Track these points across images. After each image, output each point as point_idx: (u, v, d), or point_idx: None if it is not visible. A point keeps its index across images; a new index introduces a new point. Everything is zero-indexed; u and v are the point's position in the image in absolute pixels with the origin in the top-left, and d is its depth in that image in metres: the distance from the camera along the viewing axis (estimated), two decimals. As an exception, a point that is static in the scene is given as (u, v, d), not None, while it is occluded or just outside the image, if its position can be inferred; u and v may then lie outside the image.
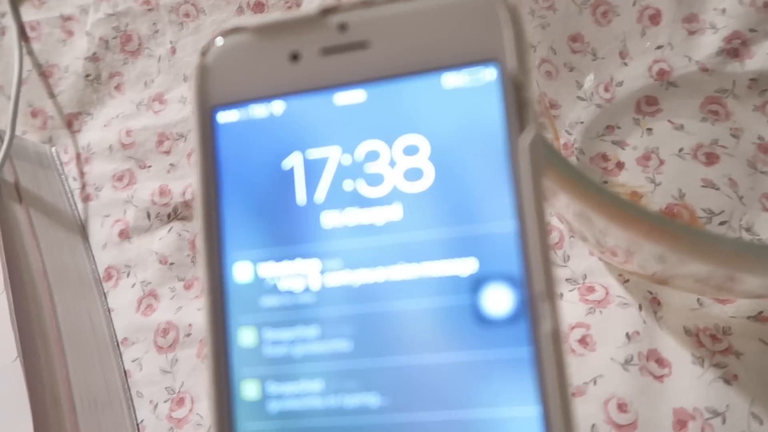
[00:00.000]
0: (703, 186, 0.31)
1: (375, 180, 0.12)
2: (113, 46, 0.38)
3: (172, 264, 0.34)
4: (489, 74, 0.12)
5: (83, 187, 0.37)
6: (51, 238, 0.33)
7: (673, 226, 0.20)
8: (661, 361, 0.25)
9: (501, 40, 0.12)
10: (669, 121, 0.33)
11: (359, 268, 0.12)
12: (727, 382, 0.24)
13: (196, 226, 0.13)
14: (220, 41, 0.13)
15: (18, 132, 0.36)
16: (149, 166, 0.36)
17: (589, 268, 0.29)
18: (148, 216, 0.35)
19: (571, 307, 0.27)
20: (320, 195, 0.13)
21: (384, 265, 0.12)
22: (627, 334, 0.26)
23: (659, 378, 0.25)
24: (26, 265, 0.30)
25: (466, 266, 0.12)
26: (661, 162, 0.32)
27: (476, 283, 0.12)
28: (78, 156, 0.37)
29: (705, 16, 0.34)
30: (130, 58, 0.38)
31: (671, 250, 0.20)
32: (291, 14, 0.13)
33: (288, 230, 0.13)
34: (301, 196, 0.13)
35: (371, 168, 0.12)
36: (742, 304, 0.26)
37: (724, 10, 0.34)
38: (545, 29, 0.34)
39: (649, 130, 0.33)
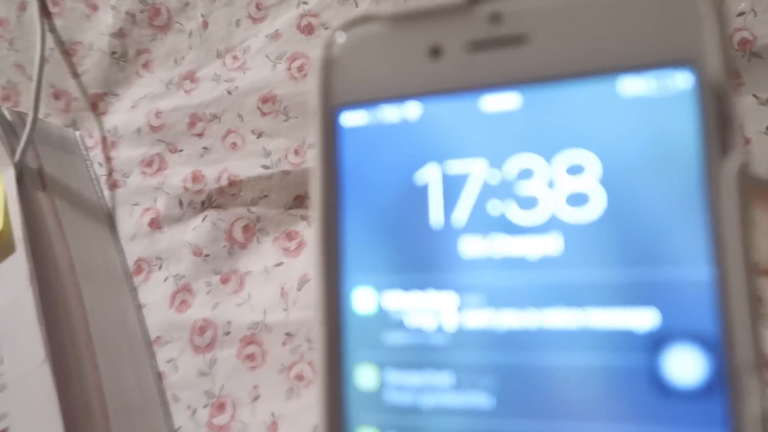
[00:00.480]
0: (796, 165, 0.28)
1: (529, 203, 0.10)
2: (140, 20, 0.35)
3: (207, 256, 0.31)
4: (682, 80, 0.09)
5: (110, 173, 0.34)
6: (77, 228, 0.30)
7: None
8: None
9: (700, 37, 0.09)
10: (754, 95, 0.30)
11: (505, 308, 0.10)
12: None
13: (313, 244, 0.10)
14: (347, 32, 0.11)
15: (41, 115, 0.33)
16: (181, 150, 0.33)
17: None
18: (180, 204, 0.32)
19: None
20: (460, 217, 0.10)
21: (537, 307, 0.10)
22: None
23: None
24: (52, 259, 0.27)
25: (644, 319, 0.09)
26: (747, 141, 0.29)
27: (657, 342, 0.09)
28: (104, 140, 0.35)
29: (793, -22, 0.31)
30: (159, 34, 0.35)
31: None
32: (433, 1, 0.11)
33: (420, 255, 0.10)
34: (436, 217, 0.10)
35: (525, 188, 0.10)
36: None
37: (814, -29, 0.31)
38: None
39: (732, 105, 0.30)
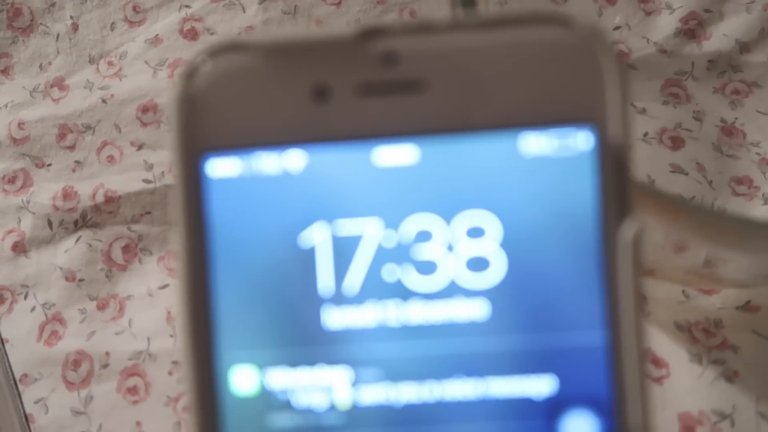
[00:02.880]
0: (671, 171, 0.30)
1: (427, 268, 0.09)
2: (-2, 21, 0.32)
3: (81, 281, 0.28)
4: (583, 140, 0.09)
5: (-36, 192, 0.30)
6: None
7: (688, 207, 0.18)
8: (657, 362, 0.23)
9: (602, 97, 0.09)
10: (632, 104, 0.32)
11: (402, 381, 0.09)
12: (729, 380, 0.22)
13: (178, 317, 0.09)
14: (213, 61, 0.09)
15: None
16: (49, 165, 0.30)
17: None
18: (50, 224, 0.29)
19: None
20: (352, 283, 0.09)
21: (436, 378, 0.09)
22: (617, 334, 0.24)
23: (658, 380, 0.22)
24: None
25: (542, 386, 0.09)
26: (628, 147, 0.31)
27: (554, 408, 0.09)
28: (-45, 155, 0.31)
29: (660, -5, 0.33)
30: (21, 36, 0.32)
31: (683, 231, 0.18)
32: (318, 33, 0.09)
33: (307, 327, 0.09)
34: (325, 283, 0.09)
35: (422, 252, 0.09)
36: (728, 294, 0.25)
37: (678, -10, 0.33)
38: (503, 7, 0.32)
39: (612, 114, 0.32)
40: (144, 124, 0.30)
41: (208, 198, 0.09)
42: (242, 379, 0.09)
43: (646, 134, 0.31)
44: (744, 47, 0.32)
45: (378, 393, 0.09)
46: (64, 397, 0.26)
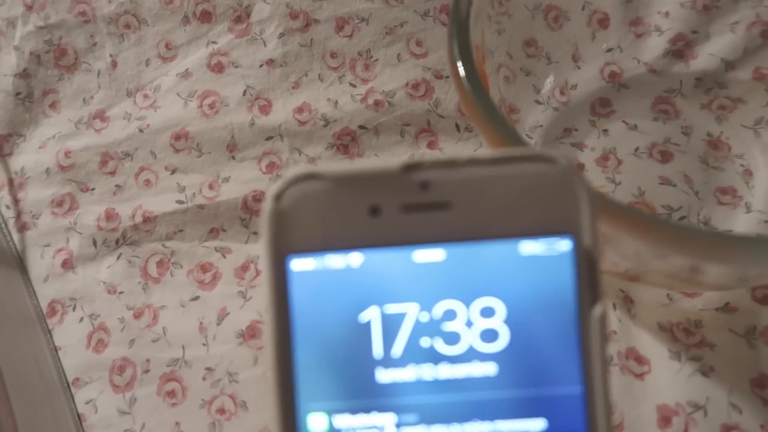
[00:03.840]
0: (660, 183, 0.32)
1: (452, 339, 0.13)
2: (46, 61, 0.35)
3: (121, 293, 0.31)
4: (564, 245, 0.12)
5: (18, 215, 0.34)
6: (-16, 273, 0.30)
7: (650, 220, 0.20)
8: (640, 359, 0.25)
9: (577, 214, 0.12)
10: (623, 121, 0.34)
11: (434, 423, 0.13)
12: (705, 374, 0.24)
13: (268, 376, 0.12)
14: (293, 186, 0.13)
15: (-61, 158, 0.32)
16: (92, 189, 0.34)
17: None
18: (94, 243, 0.32)
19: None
20: (397, 350, 0.13)
21: (459, 421, 0.13)
22: (605, 335, 0.26)
23: (640, 376, 0.25)
24: (-42, 306, 0.27)
25: (536, 426, 0.12)
26: (619, 162, 0.33)
27: None
28: (10, 181, 0.34)
29: (650, 19, 0.36)
30: (66, 74, 0.35)
31: (652, 244, 0.21)
32: (372, 166, 0.13)
33: (364, 383, 0.13)
34: (378, 350, 0.13)
35: (449, 327, 0.13)
36: (710, 296, 0.27)
37: (667, 13, 0.35)
38: (501, 35, 0.34)
39: (605, 131, 0.34)
40: (177, 151, 0.33)
41: (291, 286, 0.13)
42: (316, 422, 0.13)
43: (637, 149, 0.33)
44: (729, 65, 0.34)
45: None
46: (111, 399, 0.29)
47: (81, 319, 0.31)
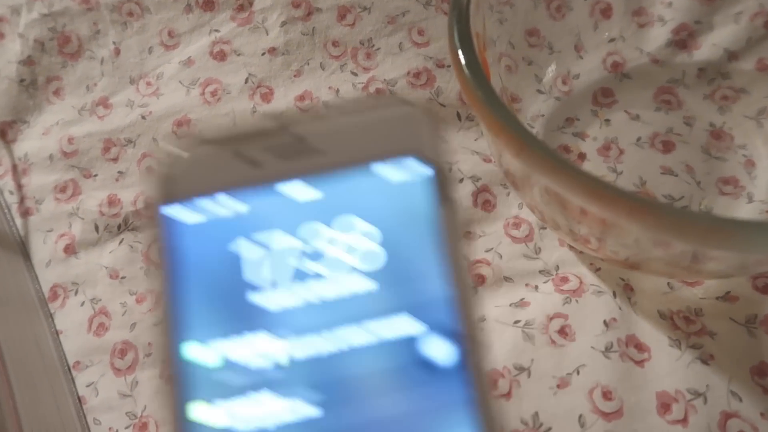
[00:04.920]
0: (662, 173, 0.32)
1: (318, 257, 0.14)
2: (50, 48, 0.35)
3: (123, 278, 0.31)
4: (416, 166, 0.14)
5: (21, 200, 0.34)
6: (-13, 257, 0.30)
7: (652, 204, 0.20)
8: (640, 346, 0.25)
9: (422, 138, 0.14)
10: (625, 111, 0.34)
11: (308, 335, 0.13)
12: (705, 362, 0.24)
13: (153, 316, 0.13)
14: (171, 148, 0.15)
15: (-56, 143, 0.32)
16: (95, 175, 0.34)
17: (561, 258, 0.29)
18: (96, 228, 0.32)
19: (547, 298, 0.27)
20: (268, 274, 0.14)
21: (337, 331, 0.13)
22: (605, 322, 0.26)
23: (640, 363, 0.25)
24: (-39, 288, 0.27)
25: (413, 326, 0.13)
26: (621, 151, 0.33)
27: (422, 339, 0.13)
28: (14, 167, 0.34)
29: (653, 9, 0.36)
30: (70, 61, 0.36)
31: (651, 229, 0.21)
32: (245, 127, 0.14)
33: (242, 310, 0.14)
34: (251, 276, 0.14)
35: (314, 246, 0.14)
36: (710, 285, 0.27)
37: (670, 3, 0.35)
38: (503, 24, 0.34)
39: (607, 121, 0.34)
40: (179, 138, 0.34)
41: (169, 233, 0.14)
42: (199, 351, 0.13)
43: (639, 139, 0.33)
44: (732, 55, 0.34)
45: (303, 348, 0.13)
46: (112, 382, 0.29)
47: (82, 304, 0.31)
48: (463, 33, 0.25)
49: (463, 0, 0.26)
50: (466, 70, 0.24)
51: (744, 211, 0.30)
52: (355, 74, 0.35)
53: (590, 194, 0.21)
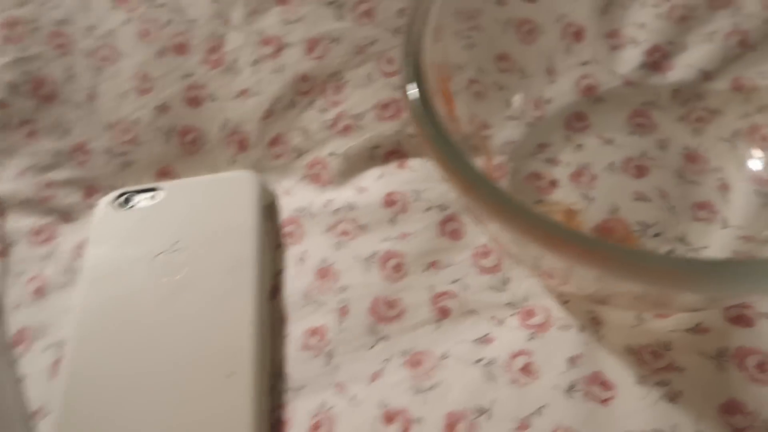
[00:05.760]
0: (635, 199, 0.31)
1: None
2: (24, 91, 0.36)
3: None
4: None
5: (-5, 243, 0.34)
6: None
7: (603, 247, 0.19)
8: (605, 384, 0.24)
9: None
10: (598, 135, 0.33)
11: None
12: (672, 400, 0.23)
13: None
14: None
15: None
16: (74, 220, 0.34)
17: (529, 290, 0.28)
18: (69, 271, 0.33)
19: (512, 333, 0.26)
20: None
21: None
22: (570, 359, 0.25)
23: (605, 402, 0.24)
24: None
25: None
26: (594, 177, 0.32)
27: None
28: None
29: (626, 30, 0.35)
30: (44, 104, 0.36)
31: (604, 272, 0.20)
32: None
33: None
34: None
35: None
36: (681, 317, 0.26)
37: (643, 25, 0.35)
38: (472, 49, 0.34)
39: (580, 146, 0.33)
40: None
41: None
42: None
43: (612, 164, 0.32)
44: (707, 76, 0.33)
45: None
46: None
47: (47, 348, 0.31)
48: (412, 69, 0.25)
49: (414, 33, 0.26)
50: (413, 107, 0.24)
51: (718, 236, 0.29)
52: (325, 110, 0.35)
53: (541, 238, 0.20)
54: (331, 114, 0.34)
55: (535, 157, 0.33)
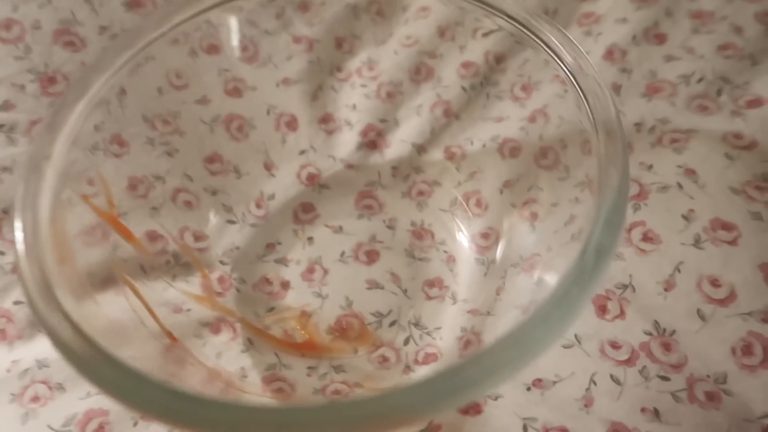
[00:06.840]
0: (368, 288, 0.29)
1: None
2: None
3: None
4: None
5: None
6: None
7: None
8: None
9: None
10: (326, 225, 0.31)
11: None
12: None
13: None
14: None
15: None
16: None
17: None
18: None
19: None
20: None
21: None
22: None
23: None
24: None
25: None
26: (326, 271, 0.30)
27: None
28: None
29: (339, 113, 0.34)
30: None
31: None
32: None
33: None
34: None
35: None
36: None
37: (354, 106, 0.34)
38: (174, 156, 0.30)
39: (310, 239, 0.31)
40: None
41: None
42: None
43: (343, 254, 0.30)
44: (421, 149, 0.33)
45: None
46: None
47: None
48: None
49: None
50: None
51: (450, 313, 0.27)
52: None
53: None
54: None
55: (263, 259, 0.30)
